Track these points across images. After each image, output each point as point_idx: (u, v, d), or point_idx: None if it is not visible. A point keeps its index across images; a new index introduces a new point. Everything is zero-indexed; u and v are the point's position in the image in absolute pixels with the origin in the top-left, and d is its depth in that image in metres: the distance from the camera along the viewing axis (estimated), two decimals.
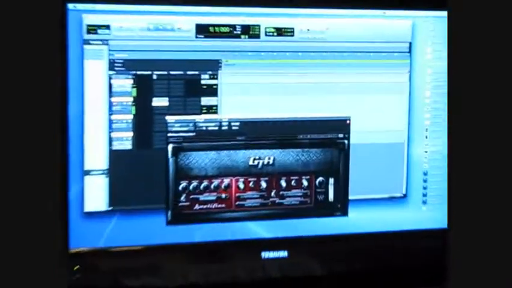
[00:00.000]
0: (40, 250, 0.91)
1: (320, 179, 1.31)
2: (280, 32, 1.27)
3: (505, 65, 0.98)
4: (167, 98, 1.24)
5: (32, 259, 0.91)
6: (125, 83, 1.22)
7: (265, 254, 1.30)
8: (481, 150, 0.98)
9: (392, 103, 1.33)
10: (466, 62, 0.99)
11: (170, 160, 1.24)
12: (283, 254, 1.31)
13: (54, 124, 0.95)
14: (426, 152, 1.36)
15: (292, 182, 1.30)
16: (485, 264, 0.97)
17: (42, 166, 0.92)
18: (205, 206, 1.27)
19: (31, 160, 0.92)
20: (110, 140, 1.22)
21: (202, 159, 1.26)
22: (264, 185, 1.29)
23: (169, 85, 1.23)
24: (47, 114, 0.94)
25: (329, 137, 1.30)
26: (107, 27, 1.20)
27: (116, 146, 1.22)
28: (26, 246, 0.91)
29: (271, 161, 1.28)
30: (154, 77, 1.23)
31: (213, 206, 1.27)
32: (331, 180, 1.31)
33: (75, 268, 1.20)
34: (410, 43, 1.33)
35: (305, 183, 1.30)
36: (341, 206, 1.33)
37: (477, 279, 0.97)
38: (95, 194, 1.22)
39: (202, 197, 1.27)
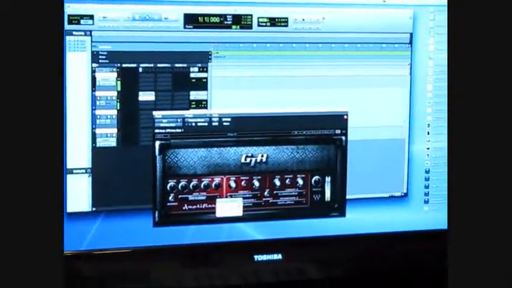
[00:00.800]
0: (23, 253, 0.90)
1: (316, 177, 1.29)
2: (273, 22, 1.25)
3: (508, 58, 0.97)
4: (153, 92, 1.22)
5: (10, 262, 0.89)
6: (109, 76, 1.20)
7: (258, 257, 1.28)
8: (483, 147, 0.97)
9: (392, 97, 1.32)
10: (466, 54, 0.98)
11: (158, 158, 1.23)
12: (277, 256, 1.29)
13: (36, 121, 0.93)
14: (428, 148, 1.35)
15: (287, 181, 1.28)
16: (488, 267, 0.95)
17: (26, 164, 0.91)
18: (194, 207, 1.25)
19: (16, 159, 0.91)
20: (94, 136, 1.21)
21: (191, 157, 1.24)
22: (256, 184, 1.27)
23: (156, 78, 1.22)
24: (29, 110, 0.92)
25: (326, 133, 1.29)
26: (91, 17, 1.19)
27: (100, 143, 1.21)
28: (5, 249, 0.89)
29: (264, 159, 1.27)
30: (140, 70, 1.21)
31: (203, 206, 1.26)
32: (327, 179, 1.30)
33: None
34: (411, 34, 1.31)
35: (300, 182, 1.29)
36: (338, 206, 1.31)
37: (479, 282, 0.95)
38: (77, 193, 1.21)
39: (191, 197, 1.25)
